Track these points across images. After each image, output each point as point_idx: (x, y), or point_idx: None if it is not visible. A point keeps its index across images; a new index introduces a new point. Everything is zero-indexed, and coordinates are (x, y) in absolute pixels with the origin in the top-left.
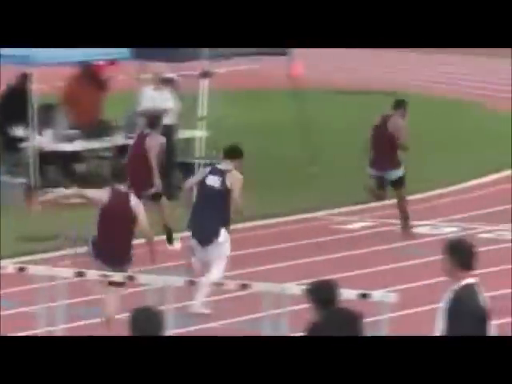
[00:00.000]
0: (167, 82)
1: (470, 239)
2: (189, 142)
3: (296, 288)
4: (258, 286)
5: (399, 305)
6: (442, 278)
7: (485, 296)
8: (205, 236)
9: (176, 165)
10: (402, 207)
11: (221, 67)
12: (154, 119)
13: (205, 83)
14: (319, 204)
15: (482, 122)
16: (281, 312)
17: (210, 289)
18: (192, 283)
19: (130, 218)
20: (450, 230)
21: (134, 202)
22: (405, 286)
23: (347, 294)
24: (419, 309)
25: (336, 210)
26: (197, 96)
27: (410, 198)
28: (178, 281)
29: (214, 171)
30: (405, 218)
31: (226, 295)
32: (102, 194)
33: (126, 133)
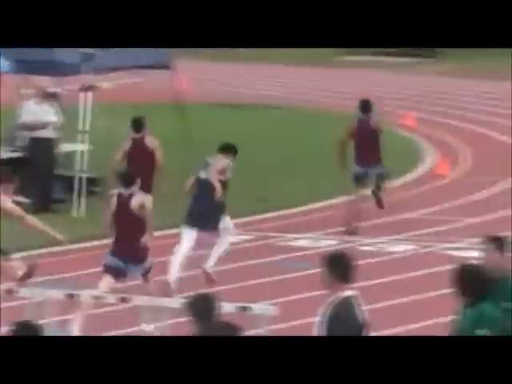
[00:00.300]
0: (49, 96)
1: (349, 252)
2: (70, 155)
3: (175, 301)
4: (137, 300)
5: (278, 318)
6: (321, 291)
7: (363, 309)
8: (207, 223)
9: (55, 178)
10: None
11: (104, 81)
12: (140, 123)
13: (87, 97)
14: None
15: None
16: (160, 325)
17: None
18: (71, 297)
19: (137, 219)
20: (329, 243)
21: (136, 201)
22: (284, 299)
23: (227, 307)
24: (298, 322)
25: None
26: (78, 110)
27: (289, 211)
28: (58, 294)
29: (204, 165)
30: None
31: (106, 308)
32: (111, 203)
33: (7, 146)
